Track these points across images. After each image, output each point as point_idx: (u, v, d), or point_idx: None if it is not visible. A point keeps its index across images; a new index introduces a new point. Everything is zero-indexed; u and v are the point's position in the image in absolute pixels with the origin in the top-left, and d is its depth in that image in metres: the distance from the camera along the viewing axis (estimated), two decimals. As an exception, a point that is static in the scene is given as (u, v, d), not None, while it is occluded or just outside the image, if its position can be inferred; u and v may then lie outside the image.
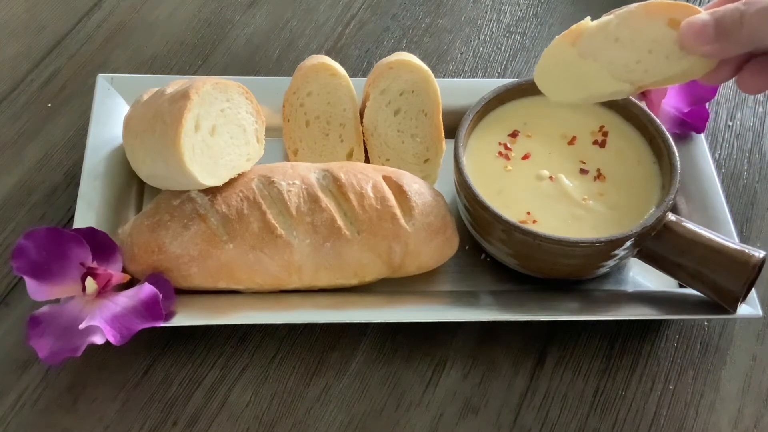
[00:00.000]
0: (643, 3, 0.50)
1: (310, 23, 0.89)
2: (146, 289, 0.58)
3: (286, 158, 0.72)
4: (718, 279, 0.60)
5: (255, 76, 0.83)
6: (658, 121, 0.67)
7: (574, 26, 0.52)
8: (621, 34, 0.50)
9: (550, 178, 0.65)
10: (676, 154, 0.64)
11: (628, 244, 0.61)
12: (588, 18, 0.52)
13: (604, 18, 0.51)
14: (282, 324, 0.64)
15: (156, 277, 0.60)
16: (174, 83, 0.65)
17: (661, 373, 0.63)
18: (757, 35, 0.45)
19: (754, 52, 0.48)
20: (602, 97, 0.53)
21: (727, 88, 0.85)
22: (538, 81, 0.56)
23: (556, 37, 0.53)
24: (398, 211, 0.63)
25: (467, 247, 0.68)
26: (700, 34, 0.47)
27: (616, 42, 0.50)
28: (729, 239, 0.62)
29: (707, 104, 0.75)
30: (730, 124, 0.82)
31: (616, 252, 0.61)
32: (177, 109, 0.59)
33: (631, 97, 0.69)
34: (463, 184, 0.63)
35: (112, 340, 0.56)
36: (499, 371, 0.63)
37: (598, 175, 0.66)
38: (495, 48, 0.88)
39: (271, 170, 0.64)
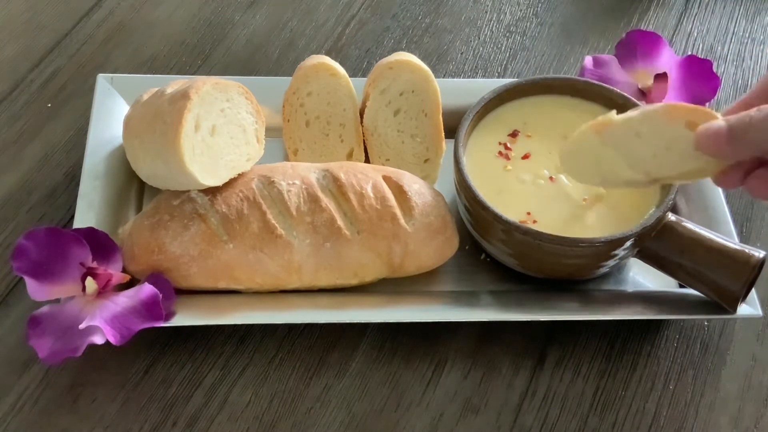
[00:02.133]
0: (666, 104, 0.53)
1: (310, 23, 0.89)
2: (146, 289, 0.58)
3: (286, 158, 0.72)
4: (718, 279, 0.61)
5: (255, 76, 0.83)
6: (658, 121, 0.67)
7: (600, 117, 0.55)
8: (642, 129, 0.53)
9: (550, 178, 0.65)
10: (676, 154, 0.64)
11: (628, 244, 0.61)
12: (614, 111, 0.55)
13: (630, 113, 0.54)
14: (282, 324, 0.64)
15: (156, 277, 0.60)
16: (174, 83, 0.65)
17: (661, 373, 0.63)
18: (761, 138, 0.48)
19: (764, 157, 0.50)
20: (618, 184, 0.56)
21: (727, 88, 0.85)
22: (563, 161, 0.59)
23: (584, 125, 0.56)
24: (398, 211, 0.63)
25: (467, 247, 0.68)
26: (714, 137, 0.49)
27: (636, 136, 0.53)
28: (729, 239, 0.62)
29: (707, 104, 0.75)
30: (730, 124, 0.82)
31: (616, 252, 0.61)
32: (177, 109, 0.59)
33: (630, 97, 0.69)
34: (463, 184, 0.63)
35: (112, 340, 0.56)
36: (499, 371, 0.63)
37: (598, 175, 0.66)
38: (495, 48, 0.88)
39: (271, 170, 0.64)
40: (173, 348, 0.63)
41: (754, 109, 0.49)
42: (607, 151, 0.55)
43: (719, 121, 0.50)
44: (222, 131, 0.62)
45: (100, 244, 0.61)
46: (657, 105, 0.53)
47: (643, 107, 0.54)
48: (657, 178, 0.54)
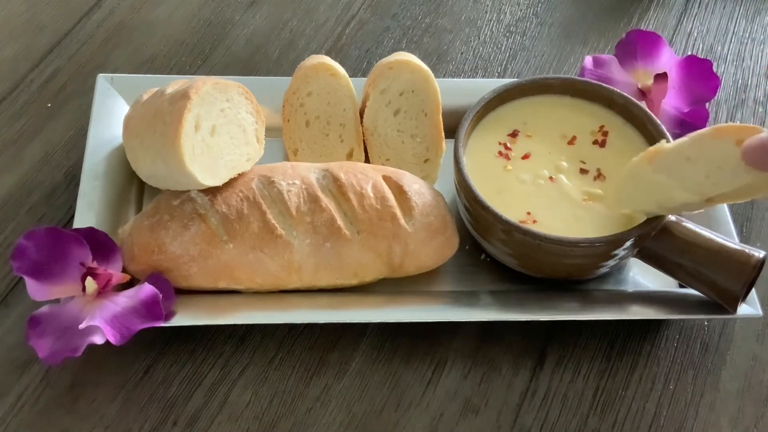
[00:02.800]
0: (714, 127, 0.55)
1: (310, 23, 0.89)
2: (146, 289, 0.58)
3: (286, 158, 0.72)
4: (718, 279, 0.61)
5: (255, 76, 0.83)
6: (658, 121, 0.67)
7: (652, 148, 0.59)
8: (692, 153, 0.56)
9: (550, 178, 0.65)
10: (676, 154, 0.64)
11: (628, 244, 0.61)
12: (663, 141, 0.59)
13: (679, 141, 0.57)
14: (282, 324, 0.64)
15: (156, 277, 0.60)
16: (174, 83, 0.65)
17: (661, 373, 0.63)
18: None
19: None
20: (674, 208, 0.58)
21: (727, 88, 0.85)
22: (618, 193, 0.62)
23: (635, 157, 0.60)
24: (398, 211, 0.63)
25: (467, 247, 0.68)
26: (759, 148, 0.50)
27: (687, 161, 0.56)
28: (729, 239, 0.62)
29: (707, 104, 0.75)
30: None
31: (616, 252, 0.61)
32: (177, 109, 0.59)
33: (631, 97, 0.69)
34: (463, 184, 0.63)
35: (112, 340, 0.56)
36: (499, 371, 0.63)
37: (598, 175, 0.66)
38: (495, 48, 0.88)
39: (271, 170, 0.64)
40: (173, 348, 0.63)
41: None
42: (660, 178, 0.57)
43: (764, 132, 0.51)
44: (222, 131, 0.62)
45: (100, 244, 0.61)
46: (705, 129, 0.56)
47: (692, 134, 0.57)
48: (712, 197, 0.55)
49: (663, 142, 0.59)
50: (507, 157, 0.67)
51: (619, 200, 0.63)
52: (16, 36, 0.86)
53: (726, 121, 0.82)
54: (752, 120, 0.82)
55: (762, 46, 0.90)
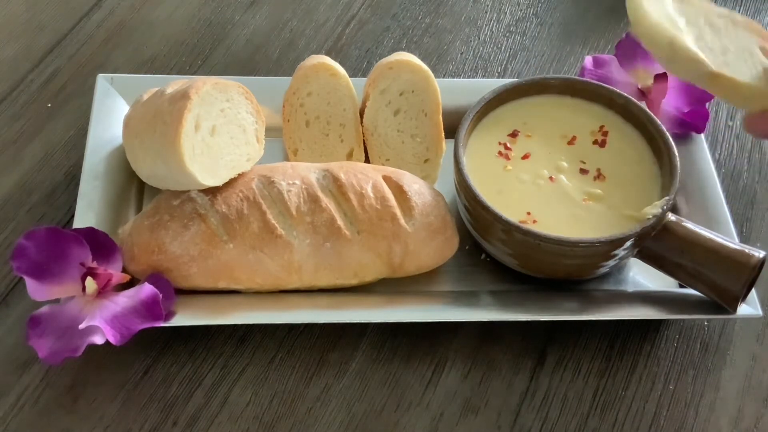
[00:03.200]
0: (745, 18, 0.52)
1: (310, 23, 0.89)
2: (146, 289, 0.58)
3: (286, 158, 0.72)
4: (718, 279, 0.61)
5: (255, 76, 0.83)
6: (658, 121, 0.67)
7: None
8: (718, 22, 0.51)
9: (550, 178, 0.65)
10: (676, 154, 0.64)
11: (628, 244, 0.61)
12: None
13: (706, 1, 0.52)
14: (282, 324, 0.64)
15: (156, 277, 0.60)
16: (174, 83, 0.65)
17: (661, 373, 0.63)
18: None
19: None
20: (680, 57, 0.50)
21: (727, 88, 0.85)
22: (632, 11, 0.52)
23: None
24: (398, 211, 0.63)
25: (467, 247, 0.68)
26: None
27: (709, 26, 0.51)
28: (729, 239, 0.62)
29: (707, 104, 0.75)
30: (730, 124, 0.82)
31: (616, 252, 0.61)
32: (177, 109, 0.59)
33: (631, 97, 0.69)
34: (463, 184, 0.63)
35: (112, 340, 0.56)
36: (499, 371, 0.63)
37: (598, 175, 0.66)
38: (495, 48, 0.88)
39: (271, 170, 0.64)
40: (173, 348, 0.63)
41: None
42: (677, 16, 0.51)
43: None
44: (222, 131, 0.62)
45: (100, 244, 0.61)
46: (742, 18, 0.52)
47: (725, 10, 0.52)
48: (718, 74, 0.49)
49: None
50: (507, 157, 0.67)
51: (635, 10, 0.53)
52: (16, 36, 0.85)
53: (727, 122, 0.82)
54: (752, 120, 0.82)
55: (762, 46, 0.89)
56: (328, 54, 0.83)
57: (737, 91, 0.49)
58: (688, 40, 0.49)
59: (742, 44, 0.50)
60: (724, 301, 0.61)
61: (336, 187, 0.63)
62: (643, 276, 0.68)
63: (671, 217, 0.62)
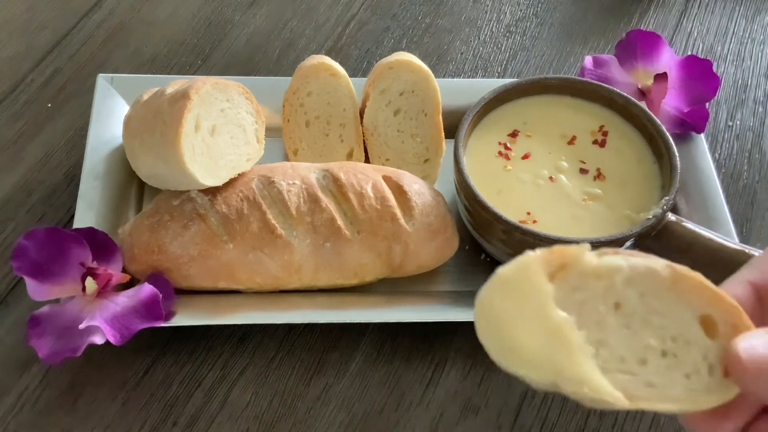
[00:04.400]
0: (672, 268, 0.35)
1: (310, 23, 0.89)
2: (146, 289, 0.58)
3: (286, 158, 0.72)
4: (718, 279, 0.60)
5: (255, 76, 0.83)
6: (658, 121, 0.67)
7: (558, 248, 0.34)
8: (628, 300, 0.34)
9: (550, 178, 0.65)
10: (676, 154, 0.64)
11: (628, 244, 0.61)
12: (587, 245, 0.34)
13: (611, 258, 0.34)
14: (282, 324, 0.64)
15: (156, 277, 0.60)
16: (174, 83, 0.65)
17: (661, 373, 0.63)
18: None
19: None
20: (573, 394, 0.34)
21: (727, 88, 0.85)
22: (479, 318, 0.36)
23: (526, 253, 0.34)
24: (398, 211, 0.63)
25: (467, 247, 0.68)
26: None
27: (617, 310, 0.34)
28: (729, 239, 0.62)
29: (707, 104, 0.75)
30: (730, 124, 0.82)
31: (616, 252, 0.61)
32: (177, 110, 0.59)
33: (631, 97, 0.69)
34: (463, 184, 0.63)
35: (112, 340, 0.56)
36: (499, 371, 0.62)
37: (598, 175, 0.66)
38: (495, 48, 0.88)
39: (271, 170, 0.64)
40: (173, 348, 0.63)
41: None
42: (563, 322, 0.33)
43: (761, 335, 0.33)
44: (222, 131, 0.62)
45: (100, 244, 0.61)
46: (657, 262, 0.35)
47: (636, 259, 0.35)
48: (638, 406, 0.34)
49: (585, 246, 0.34)
50: (507, 157, 0.67)
51: (482, 335, 0.35)
52: (16, 36, 0.85)
53: (727, 122, 0.82)
54: (752, 120, 0.82)
55: (762, 46, 0.90)
56: (328, 54, 0.83)
57: (671, 409, 0.35)
58: (582, 365, 0.33)
59: (671, 329, 0.34)
60: (724, 302, 0.61)
61: (336, 187, 0.63)
62: (643, 276, 0.67)
63: (671, 217, 0.62)
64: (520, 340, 0.33)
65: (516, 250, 0.63)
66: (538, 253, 0.33)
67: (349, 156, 0.71)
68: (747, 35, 0.91)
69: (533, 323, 0.33)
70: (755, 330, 0.35)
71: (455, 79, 0.84)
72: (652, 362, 0.34)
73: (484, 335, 0.35)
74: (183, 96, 0.60)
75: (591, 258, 0.34)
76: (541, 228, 0.61)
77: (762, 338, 0.34)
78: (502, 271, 0.34)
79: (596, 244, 0.60)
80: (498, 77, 0.85)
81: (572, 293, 0.33)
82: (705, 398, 0.34)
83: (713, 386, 0.34)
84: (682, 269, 0.35)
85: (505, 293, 0.34)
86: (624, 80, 0.76)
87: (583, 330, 0.33)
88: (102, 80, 0.75)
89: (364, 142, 0.72)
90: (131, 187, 0.70)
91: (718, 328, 0.35)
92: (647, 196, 0.64)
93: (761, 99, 0.84)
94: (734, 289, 0.38)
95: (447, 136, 0.71)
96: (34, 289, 0.58)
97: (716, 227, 0.67)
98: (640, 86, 0.75)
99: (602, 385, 0.32)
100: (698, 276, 0.35)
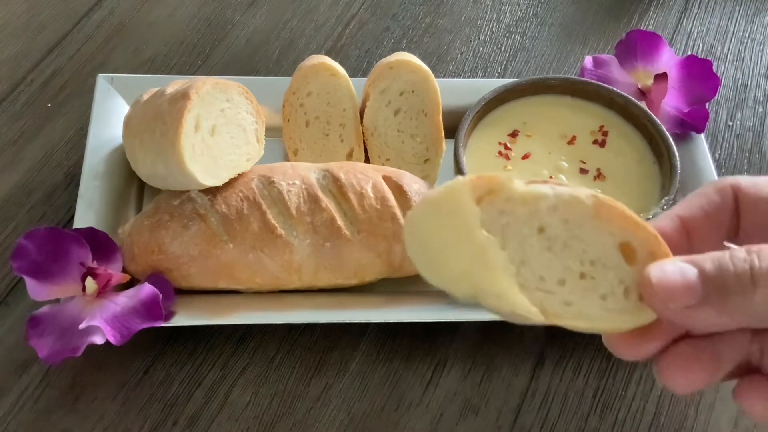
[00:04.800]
0: (596, 197, 0.36)
1: (310, 23, 0.89)
2: (146, 289, 0.58)
3: (286, 158, 0.72)
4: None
5: (255, 76, 0.83)
6: (658, 121, 0.67)
7: (487, 174, 0.35)
8: (551, 225, 0.35)
9: (550, 177, 0.65)
10: (676, 154, 0.64)
11: (628, 244, 0.61)
12: (514, 174, 0.38)
13: (538, 187, 0.36)
14: (282, 324, 0.64)
15: (156, 277, 0.60)
16: (174, 83, 0.65)
17: (661, 373, 0.63)
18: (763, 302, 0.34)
19: (708, 328, 0.36)
20: (492, 307, 0.36)
21: (727, 88, 0.85)
22: (408, 236, 0.37)
23: (456, 178, 0.35)
24: (398, 211, 0.63)
25: (467, 247, 0.68)
26: (683, 291, 0.34)
27: (540, 233, 0.35)
28: (729, 239, 0.62)
29: (707, 104, 0.75)
30: (730, 124, 0.82)
31: (616, 252, 0.61)
32: (177, 110, 0.59)
33: (631, 97, 0.69)
34: (463, 184, 0.63)
35: (112, 340, 0.56)
36: (499, 371, 0.63)
37: (598, 175, 0.66)
38: (495, 48, 0.88)
39: (271, 170, 0.64)
40: (173, 348, 0.63)
41: (739, 250, 0.35)
42: (487, 241, 0.35)
43: (681, 263, 0.35)
44: (222, 131, 0.62)
45: (100, 244, 0.61)
46: (584, 192, 0.36)
47: (561, 185, 0.36)
48: (554, 322, 0.36)
49: (514, 175, 0.37)
50: (507, 157, 0.67)
51: (412, 251, 0.37)
52: (16, 36, 0.85)
53: (727, 122, 0.82)
54: (752, 120, 0.82)
55: (762, 46, 0.90)
56: (328, 54, 0.83)
57: (592, 330, 0.37)
58: (502, 282, 0.35)
59: (591, 253, 0.36)
60: (724, 301, 0.61)
61: (336, 187, 0.63)
62: (643, 276, 0.67)
63: (671, 217, 0.62)
64: (446, 258, 0.35)
65: (516, 250, 0.63)
66: (467, 178, 0.35)
67: (349, 156, 0.71)
68: (747, 35, 0.91)
69: (458, 242, 0.35)
70: (671, 257, 0.36)
71: (455, 79, 0.84)
72: (570, 283, 0.36)
73: (412, 252, 0.37)
74: (183, 96, 0.60)
75: (518, 185, 0.36)
76: (541, 228, 0.61)
77: (675, 265, 0.35)
78: (430, 193, 0.36)
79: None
80: (498, 77, 0.85)
81: (498, 216, 0.35)
82: (620, 319, 0.36)
83: (628, 309, 0.36)
84: (606, 199, 0.36)
85: (433, 214, 0.35)
86: (624, 80, 0.76)
87: (505, 250, 0.35)
88: (102, 80, 0.75)
89: (364, 142, 0.72)
90: (131, 187, 0.70)
91: (637, 255, 0.36)
92: (647, 196, 0.64)
93: (761, 99, 0.84)
94: (662, 222, 0.39)
95: (447, 136, 0.71)
96: (34, 289, 0.58)
97: (716, 227, 0.66)
98: (640, 86, 0.75)
99: (519, 300, 0.35)
100: (620, 205, 0.36)
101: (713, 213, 0.39)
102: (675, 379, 0.37)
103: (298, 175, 0.64)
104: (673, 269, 0.35)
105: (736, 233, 0.40)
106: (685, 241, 0.39)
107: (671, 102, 0.74)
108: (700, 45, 0.90)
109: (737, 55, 0.89)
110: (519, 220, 0.36)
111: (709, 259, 0.35)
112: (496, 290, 0.35)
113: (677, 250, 0.37)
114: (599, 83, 0.70)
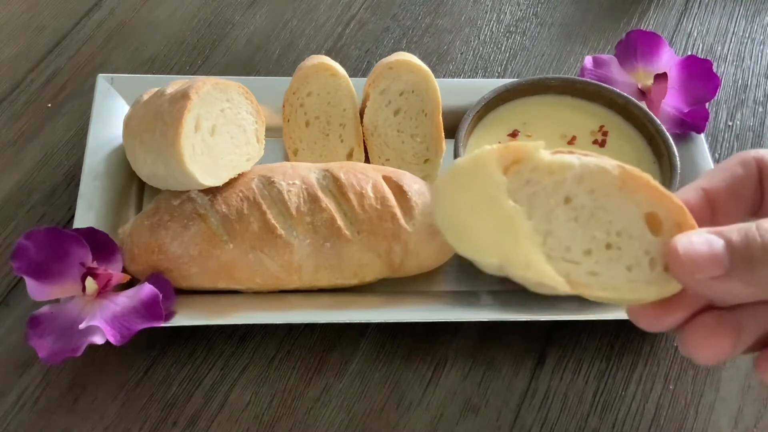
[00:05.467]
0: (622, 168, 0.37)
1: (310, 23, 0.89)
2: (146, 289, 0.58)
3: (286, 158, 0.72)
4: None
5: (255, 76, 0.83)
6: (658, 121, 0.67)
7: (514, 144, 0.36)
8: (577, 195, 0.36)
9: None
10: (676, 154, 0.64)
11: (628, 244, 0.61)
12: (541, 142, 0.36)
13: (564, 156, 0.36)
14: (282, 324, 0.64)
15: (156, 277, 0.60)
16: (174, 83, 0.65)
17: (661, 373, 0.63)
18: None
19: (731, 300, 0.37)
20: (519, 278, 0.37)
21: (727, 88, 0.85)
22: (436, 204, 0.38)
23: (484, 147, 0.36)
24: (398, 211, 0.63)
25: (467, 247, 0.68)
26: (709, 261, 0.35)
27: (566, 204, 0.36)
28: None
29: (707, 104, 0.75)
30: (730, 124, 0.82)
31: (616, 252, 0.61)
32: (177, 110, 0.59)
33: (631, 97, 0.69)
34: (463, 184, 0.63)
35: (112, 340, 0.56)
36: (499, 371, 0.63)
37: (598, 175, 0.66)
38: (495, 48, 0.88)
39: (271, 170, 0.64)
40: (173, 348, 0.63)
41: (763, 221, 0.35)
42: (513, 210, 0.35)
43: (708, 235, 0.36)
44: (222, 131, 0.62)
45: (100, 244, 0.61)
46: (609, 162, 0.37)
47: (589, 158, 0.37)
48: (580, 292, 0.36)
49: (539, 144, 0.37)
50: (507, 157, 0.67)
51: (440, 220, 0.38)
52: (16, 36, 0.86)
53: (727, 122, 0.82)
54: (752, 120, 0.82)
55: (762, 46, 0.90)
56: (328, 54, 0.83)
57: (615, 301, 0.37)
58: (529, 251, 0.35)
59: (618, 224, 0.36)
60: (724, 301, 0.61)
61: (336, 187, 0.63)
62: (643, 276, 0.67)
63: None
64: (474, 227, 0.36)
65: (516, 250, 0.63)
66: (494, 147, 0.36)
67: (349, 156, 0.71)
68: (747, 35, 0.91)
69: (486, 212, 0.35)
70: (697, 229, 0.37)
71: (455, 79, 0.84)
72: (596, 253, 0.36)
73: (440, 221, 0.37)
74: (183, 96, 0.60)
75: (545, 155, 0.36)
76: (541, 228, 0.61)
77: (701, 236, 0.36)
78: (459, 161, 0.36)
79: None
80: (498, 77, 0.85)
81: (525, 186, 0.36)
82: (645, 290, 0.36)
83: (653, 279, 0.36)
84: (632, 169, 0.37)
85: (460, 183, 0.36)
86: (624, 80, 0.76)
87: (532, 220, 0.36)
88: (102, 80, 0.75)
89: (364, 142, 0.72)
90: (131, 187, 0.70)
91: (663, 226, 0.37)
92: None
93: (761, 99, 0.84)
94: (687, 194, 0.40)
95: (447, 136, 0.71)
96: (34, 289, 0.58)
97: (716, 227, 0.66)
98: (640, 86, 0.75)
99: (546, 270, 0.35)
100: (646, 176, 0.37)
101: (737, 185, 0.39)
102: (699, 349, 0.37)
103: (298, 175, 0.64)
104: (700, 240, 0.35)
105: (760, 206, 0.40)
106: (709, 213, 0.39)
107: (671, 102, 0.74)
108: (700, 45, 0.90)
109: (737, 55, 0.89)
110: (545, 190, 0.36)
111: (735, 231, 0.35)
112: (523, 260, 0.35)
113: (701, 223, 0.38)
114: (599, 83, 0.70)
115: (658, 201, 0.37)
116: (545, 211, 0.36)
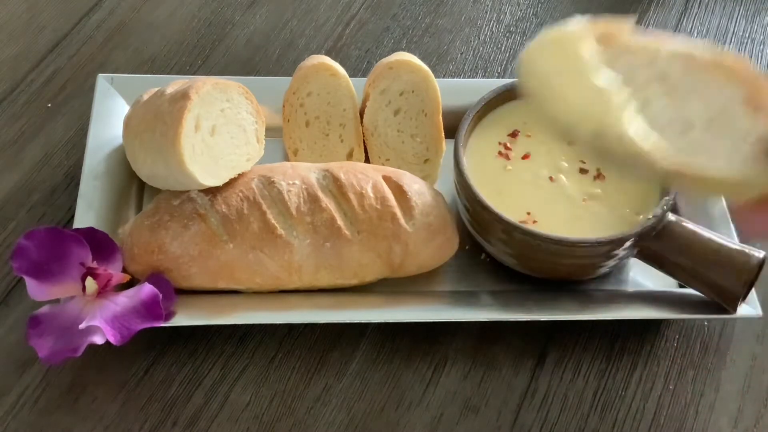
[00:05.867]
0: (717, 52, 0.35)
1: (310, 23, 0.89)
2: (146, 289, 0.58)
3: (286, 158, 0.72)
4: (718, 279, 0.61)
5: (255, 76, 0.83)
6: (658, 121, 0.67)
7: (605, 19, 0.37)
8: (672, 73, 0.35)
9: (550, 178, 0.65)
10: (676, 154, 0.64)
11: (628, 244, 0.61)
12: (631, 24, 0.36)
13: (653, 39, 0.36)
14: (282, 324, 0.64)
15: (156, 277, 0.60)
16: (174, 83, 0.65)
17: (661, 373, 0.63)
18: None
19: None
20: (613, 151, 0.35)
21: (727, 88, 0.85)
22: (526, 72, 0.38)
23: (573, 18, 0.37)
24: (398, 211, 0.63)
25: (467, 247, 0.68)
26: None
27: (661, 81, 0.35)
28: (729, 239, 0.62)
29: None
30: (730, 124, 0.82)
31: (616, 252, 0.61)
32: (177, 110, 0.59)
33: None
34: (463, 184, 0.63)
35: (112, 340, 0.56)
36: (499, 371, 0.63)
37: (598, 175, 0.66)
38: (495, 48, 0.88)
39: (271, 170, 0.64)
40: (173, 348, 0.63)
41: None
42: (610, 78, 0.34)
43: None
44: (222, 131, 0.62)
45: (100, 244, 0.61)
46: (701, 44, 0.36)
47: (679, 38, 0.36)
48: (679, 167, 0.34)
49: (630, 23, 0.37)
50: (507, 157, 0.67)
51: (528, 85, 0.38)
52: (16, 36, 0.85)
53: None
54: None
55: (762, 46, 0.90)
56: (328, 54, 0.83)
57: (715, 186, 0.36)
58: (624, 120, 0.34)
59: (715, 104, 0.35)
60: (724, 301, 0.61)
61: (336, 187, 0.63)
62: (643, 276, 0.68)
63: (671, 217, 0.62)
64: (568, 96, 0.35)
65: (516, 250, 0.63)
66: (585, 18, 0.35)
67: (349, 156, 0.71)
68: (747, 35, 0.91)
69: (580, 80, 0.35)
70: None
71: (455, 79, 0.84)
72: (693, 132, 0.35)
73: (532, 89, 0.37)
74: (183, 96, 0.60)
75: (634, 36, 0.35)
76: (541, 228, 0.61)
77: None
78: (550, 32, 0.36)
79: (596, 245, 0.60)
80: (498, 77, 0.85)
81: (618, 57, 0.35)
82: (745, 172, 0.34)
83: (753, 161, 0.35)
84: (728, 53, 0.36)
85: (553, 50, 0.36)
86: (624, 80, 0.75)
87: (628, 89, 0.34)
88: (102, 80, 0.75)
89: (364, 142, 0.72)
90: (131, 187, 0.70)
91: (762, 110, 0.35)
92: (647, 197, 0.64)
93: (761, 99, 0.84)
94: None
95: (447, 136, 0.71)
96: (34, 289, 0.58)
97: (716, 227, 0.67)
98: (640, 86, 0.75)
99: (642, 142, 0.33)
100: (742, 58, 0.35)
101: None
102: None
103: (298, 175, 0.64)
104: None
105: None
106: None
107: (671, 102, 0.74)
108: (700, 45, 0.90)
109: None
110: (640, 63, 0.35)
111: None
112: (618, 131, 0.34)
113: None
114: (599, 83, 0.70)
115: (756, 83, 0.35)
116: (640, 85, 0.35)
